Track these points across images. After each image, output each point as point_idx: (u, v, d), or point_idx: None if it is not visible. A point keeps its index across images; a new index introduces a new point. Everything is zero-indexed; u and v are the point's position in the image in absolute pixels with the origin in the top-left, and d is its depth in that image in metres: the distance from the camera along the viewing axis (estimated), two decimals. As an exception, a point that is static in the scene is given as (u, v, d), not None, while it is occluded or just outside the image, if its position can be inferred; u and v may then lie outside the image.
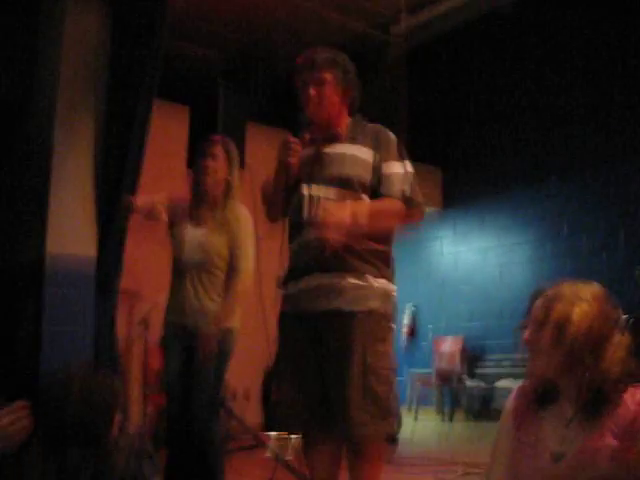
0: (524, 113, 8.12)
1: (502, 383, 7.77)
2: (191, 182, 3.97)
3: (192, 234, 3.88)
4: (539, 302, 1.97)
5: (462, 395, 8.34)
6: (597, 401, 1.83)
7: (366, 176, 2.82)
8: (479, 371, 8.20)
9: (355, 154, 2.83)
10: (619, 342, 1.86)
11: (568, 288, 1.95)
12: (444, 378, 8.33)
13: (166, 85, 5.02)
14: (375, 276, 2.75)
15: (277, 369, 2.91)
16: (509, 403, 2.07)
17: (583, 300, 1.89)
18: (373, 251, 2.77)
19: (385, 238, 2.84)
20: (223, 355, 3.78)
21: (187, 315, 3.78)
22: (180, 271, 3.88)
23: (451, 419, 8.13)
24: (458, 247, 9.05)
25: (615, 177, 7.20)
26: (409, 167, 2.89)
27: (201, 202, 3.91)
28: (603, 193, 7.31)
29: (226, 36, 7.89)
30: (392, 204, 2.79)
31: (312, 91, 2.86)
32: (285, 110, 4.45)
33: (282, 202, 2.91)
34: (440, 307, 8.98)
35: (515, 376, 7.64)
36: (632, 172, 7.05)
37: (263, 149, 6.35)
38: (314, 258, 2.73)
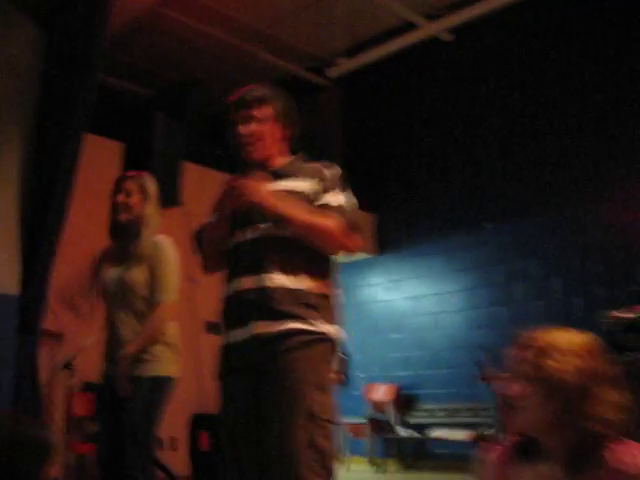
0: (459, 160, 8.13)
1: (436, 433, 7.64)
2: (108, 221, 3.89)
3: (112, 273, 3.76)
4: (512, 352, 1.82)
5: (395, 445, 8.19)
6: (582, 459, 1.70)
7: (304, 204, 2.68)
8: (412, 420, 8.06)
9: (291, 188, 2.70)
10: (602, 398, 1.71)
11: (560, 340, 1.80)
12: (376, 427, 8.17)
13: (100, 121, 4.88)
14: (317, 320, 2.59)
15: (221, 429, 2.72)
16: (487, 459, 1.92)
17: (577, 356, 1.74)
18: (314, 293, 2.63)
19: (325, 276, 2.69)
20: (152, 404, 3.60)
21: (111, 360, 3.62)
22: (107, 313, 3.74)
23: (384, 470, 7.96)
24: (391, 294, 8.95)
25: (550, 224, 7.23)
26: (352, 198, 2.76)
27: (118, 240, 3.81)
28: (538, 240, 7.32)
29: (162, 74, 7.77)
30: (328, 217, 2.62)
31: (241, 129, 2.75)
32: (220, 150, 4.34)
33: (221, 250, 2.78)
34: (372, 355, 8.84)
35: (449, 426, 7.55)
36: (567, 220, 7.09)
37: (198, 189, 6.26)
38: (250, 305, 2.59)
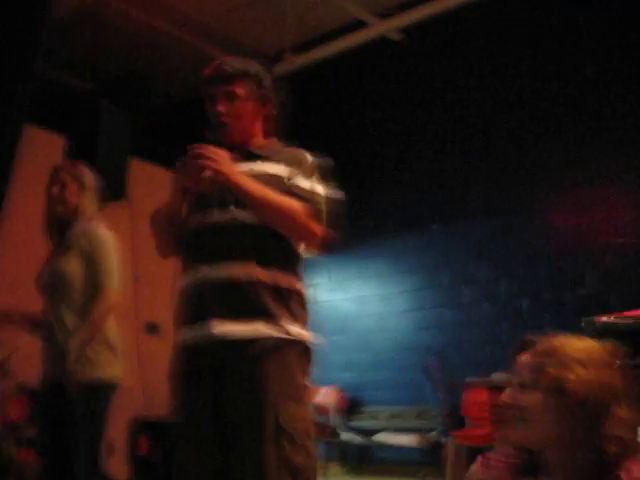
0: (407, 160, 8.05)
1: (379, 437, 7.54)
2: (44, 215, 3.70)
3: (47, 267, 3.60)
4: (526, 360, 1.70)
5: (337, 449, 8.07)
6: (595, 479, 1.57)
7: (277, 190, 2.46)
8: (355, 424, 7.95)
9: (266, 170, 2.49)
10: (619, 417, 1.59)
11: (561, 346, 1.66)
12: (319, 431, 8.04)
13: (42, 113, 4.67)
14: (290, 321, 2.38)
15: (174, 438, 2.46)
16: (475, 474, 1.79)
17: (578, 363, 1.62)
18: (287, 289, 2.42)
19: (297, 270, 2.51)
20: (96, 411, 3.41)
21: (52, 360, 3.42)
22: (45, 311, 3.56)
23: (325, 474, 7.83)
24: (334, 295, 8.82)
25: (497, 227, 7.19)
26: (333, 192, 2.57)
27: (54, 232, 3.66)
28: (484, 243, 7.29)
29: (105, 67, 7.51)
30: (293, 201, 2.42)
31: (221, 107, 2.54)
32: (167, 147, 4.18)
33: (177, 232, 2.53)
34: (315, 357, 8.67)
35: (393, 429, 7.45)
36: (514, 223, 7.06)
37: (145, 185, 6.06)
38: (214, 298, 2.35)
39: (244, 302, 2.33)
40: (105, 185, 3.80)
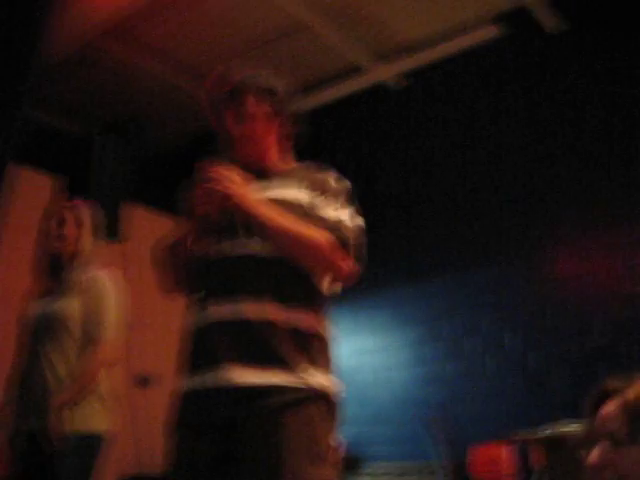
0: (405, 209, 7.87)
1: (380, 495, 7.22)
2: (38, 252, 3.47)
3: (37, 307, 3.37)
4: (615, 411, 1.44)
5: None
6: None
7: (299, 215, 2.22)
8: (354, 481, 7.63)
9: (284, 196, 2.24)
10: None
11: None
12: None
13: (36, 157, 4.51)
14: (311, 370, 2.10)
15: None
16: None
17: None
18: (307, 331, 2.16)
19: (320, 310, 2.24)
20: (82, 467, 3.14)
21: (30, 412, 3.17)
22: (24, 355, 3.30)
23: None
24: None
25: (502, 277, 6.97)
26: (359, 219, 2.33)
27: (49, 273, 3.45)
28: (486, 293, 7.06)
29: (100, 112, 7.35)
30: (318, 231, 2.17)
31: (232, 127, 2.30)
32: (165, 192, 3.99)
33: (183, 265, 2.29)
34: (310, 411, 8.39)
35: (394, 487, 7.14)
36: (519, 273, 6.85)
37: (140, 229, 5.87)
38: (224, 341, 2.08)
39: (257, 346, 2.06)
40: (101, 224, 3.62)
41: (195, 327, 2.20)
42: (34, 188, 5.01)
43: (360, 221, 2.34)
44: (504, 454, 5.67)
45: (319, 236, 2.16)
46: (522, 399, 6.31)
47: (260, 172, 2.33)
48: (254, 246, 2.17)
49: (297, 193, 2.27)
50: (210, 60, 7.17)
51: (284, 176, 2.33)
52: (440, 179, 7.64)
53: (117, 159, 4.88)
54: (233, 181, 2.11)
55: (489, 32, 6.65)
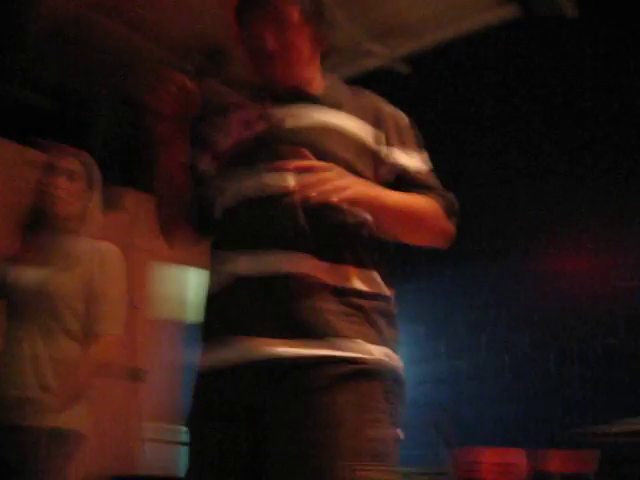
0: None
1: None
2: (32, 205, 2.96)
3: (28, 276, 2.85)
4: None
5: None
6: None
7: (359, 162, 1.80)
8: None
9: (338, 125, 1.81)
10: None
11: None
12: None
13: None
14: (372, 341, 1.70)
15: None
16: None
17: None
18: (370, 297, 1.75)
19: (382, 268, 1.83)
20: (53, 465, 2.72)
21: (15, 402, 2.76)
22: (11, 333, 2.82)
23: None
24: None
25: (512, 270, 6.60)
26: (428, 161, 1.97)
27: (46, 233, 2.94)
28: (499, 288, 6.69)
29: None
30: (429, 201, 1.82)
31: (268, 35, 1.85)
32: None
33: (187, 201, 1.89)
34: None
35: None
36: (531, 266, 6.48)
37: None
38: (255, 304, 1.67)
39: (295, 309, 1.65)
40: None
41: (217, 287, 1.79)
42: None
43: (430, 164, 1.99)
44: (516, 458, 5.34)
45: (429, 206, 1.84)
46: (533, 400, 5.98)
47: (299, 95, 1.91)
48: (287, 183, 1.71)
49: (351, 122, 1.85)
50: (201, 38, 6.76)
51: (331, 98, 1.91)
52: (442, 171, 7.25)
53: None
54: (341, 177, 1.65)
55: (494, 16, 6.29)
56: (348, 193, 1.60)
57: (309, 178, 1.58)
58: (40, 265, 2.88)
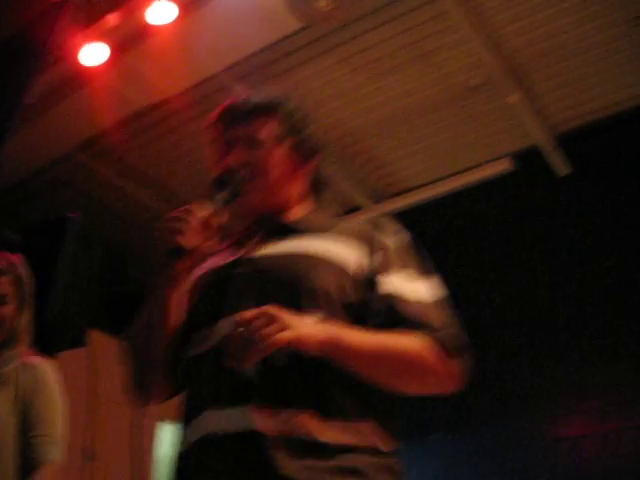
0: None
1: None
2: None
3: None
4: None
5: None
6: None
7: (340, 292, 1.57)
8: None
9: (322, 253, 1.61)
10: None
11: None
12: None
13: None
14: None
15: None
16: None
17: None
18: (368, 452, 1.50)
19: (384, 418, 1.59)
20: None
21: None
22: None
23: None
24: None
25: (510, 436, 6.20)
26: (439, 287, 1.69)
27: None
28: (495, 456, 6.25)
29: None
30: (415, 343, 1.56)
31: (237, 154, 1.69)
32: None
33: (170, 358, 1.63)
34: None
35: None
36: (529, 432, 6.10)
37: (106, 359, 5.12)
38: (224, 467, 1.43)
39: (282, 472, 1.38)
40: (62, 330, 2.92)
41: (181, 450, 1.55)
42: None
43: (443, 291, 1.71)
44: None
45: (417, 346, 1.55)
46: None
47: (280, 226, 1.74)
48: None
49: (339, 249, 1.64)
50: (191, 189, 6.66)
51: (314, 225, 1.73)
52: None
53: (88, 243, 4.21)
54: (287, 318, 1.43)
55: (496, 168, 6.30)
56: (286, 335, 1.38)
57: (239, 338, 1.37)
58: None
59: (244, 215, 1.76)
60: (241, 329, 1.37)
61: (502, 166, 6.27)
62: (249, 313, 1.39)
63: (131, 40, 4.89)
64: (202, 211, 1.57)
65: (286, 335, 1.36)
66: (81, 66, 4.85)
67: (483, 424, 6.39)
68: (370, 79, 5.51)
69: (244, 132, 1.72)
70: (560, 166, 6.21)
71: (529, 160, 6.29)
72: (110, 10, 4.56)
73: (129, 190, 6.47)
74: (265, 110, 1.75)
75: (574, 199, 6.31)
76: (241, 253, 1.70)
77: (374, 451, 1.52)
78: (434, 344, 1.56)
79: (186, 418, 1.55)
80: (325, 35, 5.11)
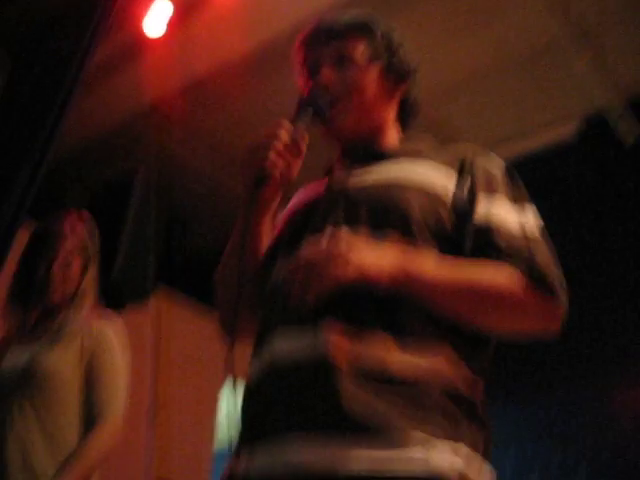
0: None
1: None
2: (20, 277, 2.73)
3: (16, 355, 2.57)
4: None
5: None
6: None
7: (437, 215, 1.52)
8: None
9: (417, 174, 1.55)
10: None
11: None
12: None
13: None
14: (433, 443, 1.31)
15: None
16: None
17: None
18: (455, 394, 1.41)
19: (473, 359, 1.49)
20: None
21: None
22: None
23: None
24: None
25: (569, 402, 6.12)
26: (535, 216, 1.59)
27: (36, 307, 2.70)
28: (556, 421, 6.18)
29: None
30: (501, 274, 1.46)
31: (326, 73, 1.63)
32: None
33: (255, 284, 1.61)
34: None
35: None
36: (589, 402, 6.02)
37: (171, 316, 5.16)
38: (291, 397, 1.37)
39: (345, 403, 1.32)
40: (128, 285, 2.94)
41: (252, 377, 1.51)
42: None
43: (540, 221, 1.63)
44: None
45: (504, 279, 1.46)
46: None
47: (372, 152, 1.70)
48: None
49: (432, 168, 1.59)
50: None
51: (410, 155, 1.67)
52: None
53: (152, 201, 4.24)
54: (349, 251, 1.40)
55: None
56: (349, 274, 1.35)
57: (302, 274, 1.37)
58: (30, 342, 2.66)
59: (336, 138, 1.73)
60: (299, 268, 1.38)
61: (566, 131, 6.14)
62: (308, 250, 1.39)
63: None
64: (288, 134, 1.55)
65: (348, 273, 1.34)
66: (143, 34, 4.86)
67: (541, 390, 6.32)
68: (435, 43, 5.43)
69: (335, 50, 1.67)
70: (627, 134, 6.06)
71: (595, 127, 6.17)
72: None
73: (190, 158, 6.47)
74: (357, 29, 1.70)
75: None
76: (332, 181, 1.68)
77: (453, 390, 1.43)
78: (527, 278, 1.47)
79: (257, 345, 1.53)
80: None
